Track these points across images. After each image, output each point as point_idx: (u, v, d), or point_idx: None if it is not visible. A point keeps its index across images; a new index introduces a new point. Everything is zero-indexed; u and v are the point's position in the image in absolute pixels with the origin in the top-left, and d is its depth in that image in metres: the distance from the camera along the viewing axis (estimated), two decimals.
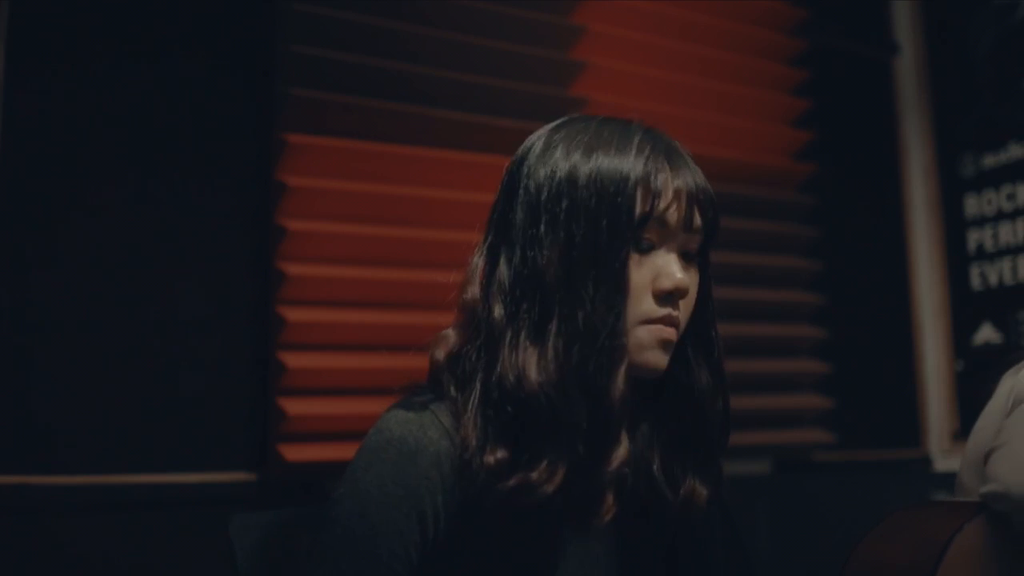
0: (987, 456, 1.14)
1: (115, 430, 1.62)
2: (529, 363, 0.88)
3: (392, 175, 1.84)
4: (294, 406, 1.69)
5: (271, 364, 1.73)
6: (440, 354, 0.95)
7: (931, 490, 2.40)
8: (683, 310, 0.95)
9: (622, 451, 0.90)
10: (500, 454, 0.88)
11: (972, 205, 2.52)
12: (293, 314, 1.71)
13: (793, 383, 2.35)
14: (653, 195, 0.91)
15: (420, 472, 0.89)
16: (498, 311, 0.92)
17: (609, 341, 0.89)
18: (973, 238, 2.51)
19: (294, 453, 1.69)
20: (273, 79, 1.80)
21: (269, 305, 1.74)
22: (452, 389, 0.93)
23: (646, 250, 0.93)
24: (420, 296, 1.81)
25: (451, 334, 0.96)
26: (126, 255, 1.66)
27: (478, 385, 0.91)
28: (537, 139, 0.99)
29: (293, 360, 1.70)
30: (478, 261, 0.97)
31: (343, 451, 1.71)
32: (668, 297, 0.92)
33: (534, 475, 0.87)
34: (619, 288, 0.90)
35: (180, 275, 1.71)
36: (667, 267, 0.92)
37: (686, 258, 0.96)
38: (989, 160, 2.48)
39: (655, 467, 0.98)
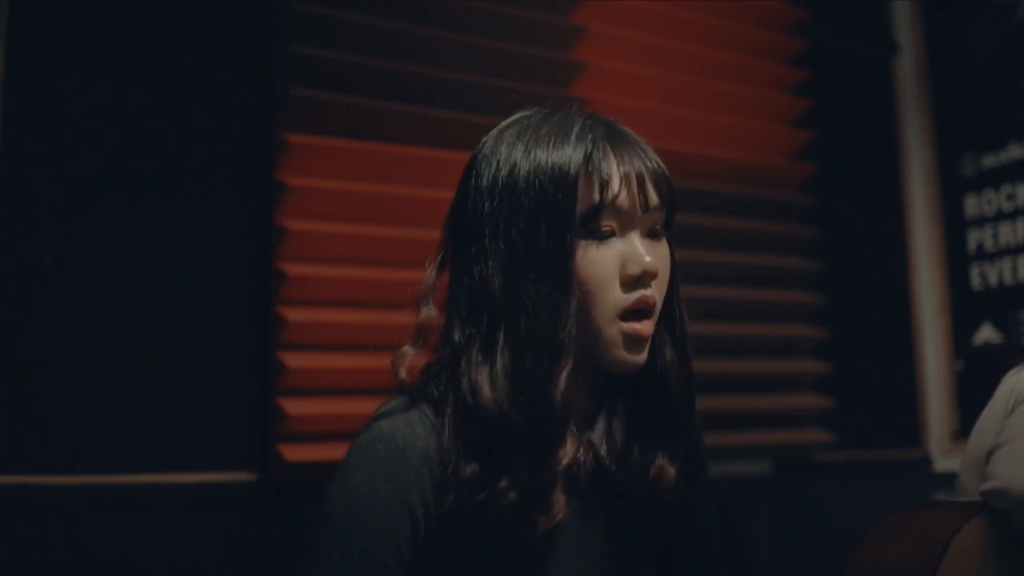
0: (988, 454, 1.14)
1: (115, 430, 1.62)
2: (481, 380, 0.89)
3: (392, 175, 1.84)
4: (294, 406, 1.69)
5: (271, 364, 1.73)
6: (403, 374, 0.96)
7: (931, 490, 2.40)
8: (657, 290, 0.94)
9: (569, 449, 0.90)
10: (471, 468, 0.89)
11: (972, 205, 2.52)
12: (293, 314, 1.71)
13: (793, 383, 2.35)
14: (601, 184, 0.90)
15: (409, 468, 0.90)
16: (457, 334, 0.92)
17: (548, 343, 0.88)
18: (973, 238, 2.51)
19: (294, 453, 1.69)
20: (273, 79, 1.80)
21: (269, 305, 1.74)
22: (435, 393, 0.94)
23: (607, 238, 0.91)
24: None
25: (408, 352, 0.96)
26: (126, 255, 1.66)
27: (450, 402, 0.92)
28: (484, 143, 0.99)
29: (293, 360, 1.70)
30: (431, 277, 0.97)
31: (343, 451, 1.72)
32: (637, 281, 0.91)
33: (501, 484, 0.88)
34: (561, 287, 0.89)
35: (180, 275, 1.71)
36: (633, 252, 0.91)
37: (653, 236, 0.95)
38: (989, 160, 2.48)
39: (635, 454, 0.98)
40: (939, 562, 1.03)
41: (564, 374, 0.88)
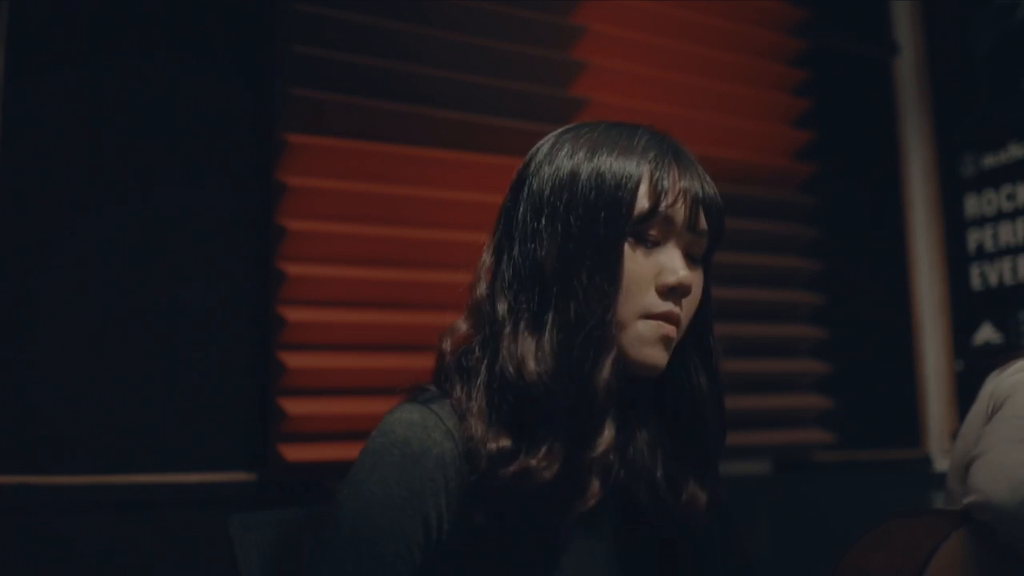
0: (968, 465, 1.12)
1: (115, 430, 1.62)
2: (527, 353, 0.90)
3: (392, 175, 1.84)
4: (294, 406, 1.69)
5: (271, 364, 1.73)
6: (447, 345, 0.97)
7: (931, 490, 2.41)
8: (685, 309, 0.96)
9: (607, 438, 0.92)
10: (503, 442, 0.89)
11: (972, 205, 2.52)
12: (293, 314, 1.71)
13: (793, 383, 2.35)
14: (659, 192, 0.93)
15: (424, 474, 0.90)
16: (501, 306, 0.94)
17: (597, 331, 0.90)
18: (973, 238, 2.51)
19: (294, 453, 1.69)
20: (273, 79, 1.80)
21: (269, 305, 1.74)
22: (456, 386, 0.94)
23: (651, 246, 0.94)
24: (420, 296, 1.81)
25: (460, 326, 0.98)
26: (126, 255, 1.66)
27: (482, 377, 0.93)
28: (545, 141, 1.01)
29: (293, 360, 1.70)
30: (485, 259, 1.00)
31: (343, 451, 1.73)
32: (671, 293, 0.94)
33: (534, 461, 0.88)
34: (612, 279, 0.92)
35: (180, 275, 1.71)
36: (671, 263, 0.94)
37: (691, 260, 0.97)
38: (989, 160, 2.48)
39: (658, 473, 0.99)
40: (922, 572, 1.03)
41: (609, 362, 0.90)
